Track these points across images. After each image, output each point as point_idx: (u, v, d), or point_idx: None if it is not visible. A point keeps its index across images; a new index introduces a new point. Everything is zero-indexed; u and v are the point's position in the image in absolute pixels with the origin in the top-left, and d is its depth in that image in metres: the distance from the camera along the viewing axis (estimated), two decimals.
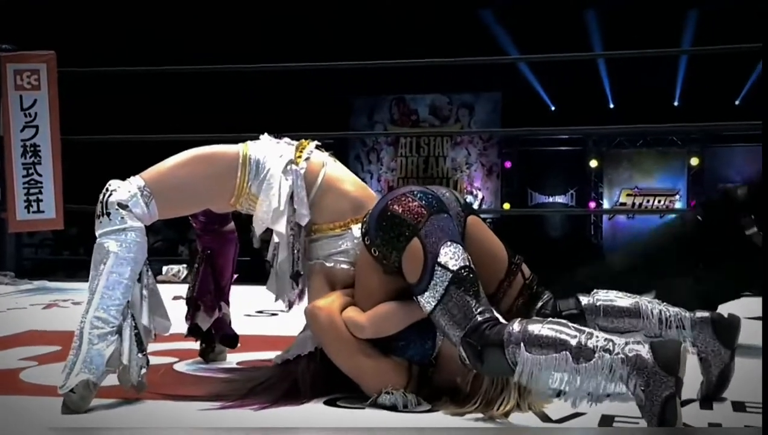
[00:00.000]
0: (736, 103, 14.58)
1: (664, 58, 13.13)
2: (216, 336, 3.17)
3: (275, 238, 2.69)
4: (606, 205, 16.35)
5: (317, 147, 2.79)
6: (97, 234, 2.55)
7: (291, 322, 3.05)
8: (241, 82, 12.88)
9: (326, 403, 2.49)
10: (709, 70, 12.96)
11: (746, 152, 14.57)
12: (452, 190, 2.60)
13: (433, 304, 2.28)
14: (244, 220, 2.91)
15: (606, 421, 2.26)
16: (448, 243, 2.33)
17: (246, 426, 2.31)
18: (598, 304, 2.56)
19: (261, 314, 4.36)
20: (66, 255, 11.38)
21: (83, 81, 8.70)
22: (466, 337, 2.23)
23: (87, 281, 2.54)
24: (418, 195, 2.43)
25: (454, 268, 2.28)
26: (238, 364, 3.10)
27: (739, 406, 2.46)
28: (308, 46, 12.85)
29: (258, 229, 2.69)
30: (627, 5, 12.38)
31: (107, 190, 2.59)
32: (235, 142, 2.76)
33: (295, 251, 2.70)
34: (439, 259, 2.29)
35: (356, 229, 2.62)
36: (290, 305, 2.81)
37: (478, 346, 2.21)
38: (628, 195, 16.36)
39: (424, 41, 11.48)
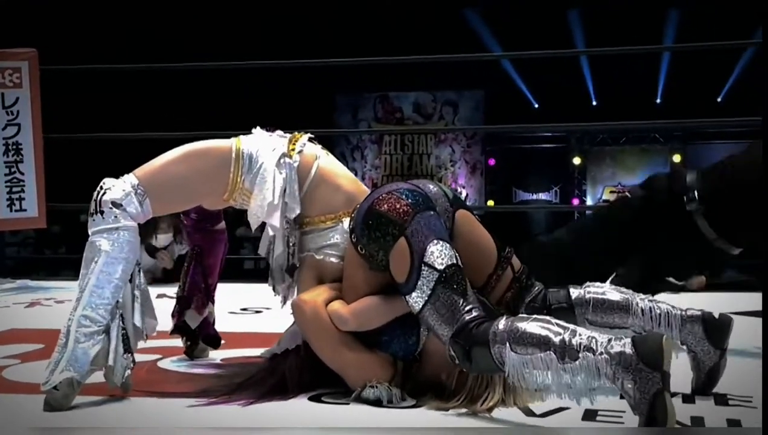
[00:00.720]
0: (718, 100, 14.65)
1: (647, 56, 13.17)
2: (199, 335, 3.16)
3: (269, 232, 2.69)
4: (589, 202, 16.40)
5: (310, 139, 2.79)
6: (89, 232, 2.53)
7: (276, 319, 3.05)
8: (226, 79, 12.84)
9: (311, 399, 2.49)
10: (691, 67, 13.02)
11: (728, 149, 14.59)
12: (440, 185, 2.58)
13: (422, 303, 2.28)
14: (231, 217, 2.91)
15: (589, 415, 2.26)
16: (435, 241, 2.32)
17: (232, 426, 2.31)
18: (587, 297, 2.56)
19: (246, 311, 4.36)
20: (48, 254, 11.34)
21: (65, 79, 8.65)
22: (454, 336, 2.23)
23: (70, 280, 2.53)
24: (404, 193, 2.42)
25: (441, 266, 2.28)
26: (222, 360, 3.10)
27: (721, 400, 2.47)
28: (293, 43, 12.84)
29: (253, 223, 2.68)
30: (609, 3, 12.42)
31: (101, 188, 2.57)
32: (220, 138, 2.75)
33: (291, 245, 2.69)
34: (425, 259, 2.29)
35: (347, 223, 2.61)
36: (284, 299, 2.80)
37: (466, 345, 2.21)
38: (611, 192, 16.38)
39: (409, 39, 11.49)
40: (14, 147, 5.14)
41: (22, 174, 5.16)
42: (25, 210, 5.19)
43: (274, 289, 2.80)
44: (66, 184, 6.18)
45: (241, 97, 13.17)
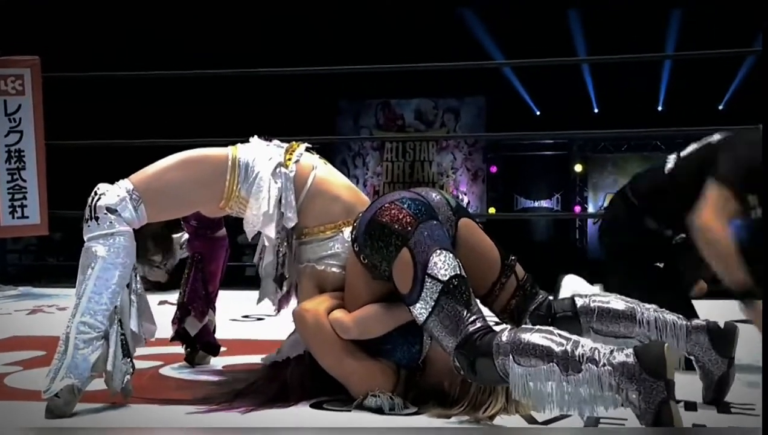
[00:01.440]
0: (720, 107, 14.65)
1: (648, 63, 13.18)
2: (199, 342, 3.16)
3: (263, 242, 2.69)
4: (591, 209, 16.40)
5: (307, 149, 2.79)
6: (85, 238, 2.54)
7: (277, 327, 3.05)
8: (227, 86, 12.85)
9: (312, 405, 2.49)
10: (693, 74, 13.03)
11: None
12: (443, 193, 2.57)
13: (426, 315, 2.27)
14: (233, 224, 2.91)
15: (591, 422, 2.26)
16: (438, 251, 2.31)
17: (233, 426, 2.31)
18: (593, 305, 2.53)
19: (247, 319, 4.36)
20: (50, 261, 11.33)
21: (68, 86, 8.67)
22: (458, 348, 2.22)
23: (72, 287, 2.52)
24: (407, 202, 2.41)
25: (444, 278, 2.27)
26: (224, 367, 3.10)
27: (724, 408, 2.47)
28: (294, 50, 12.84)
29: (249, 232, 2.68)
30: (611, 9, 12.43)
31: (95, 193, 2.57)
32: (221, 145, 2.75)
33: (280, 255, 2.69)
34: (428, 270, 2.28)
35: (347, 232, 2.61)
36: (279, 308, 2.80)
37: (471, 357, 2.20)
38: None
39: (410, 46, 11.51)
40: (16, 154, 5.15)
41: (24, 181, 5.17)
42: (27, 217, 5.20)
43: (260, 298, 2.80)
44: (68, 190, 6.18)
45: (244, 104, 13.19)
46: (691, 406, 2.48)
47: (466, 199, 16.31)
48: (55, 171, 5.43)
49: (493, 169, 16.69)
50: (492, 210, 16.19)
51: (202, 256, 3.15)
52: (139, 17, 12.19)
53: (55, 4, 10.96)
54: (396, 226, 2.36)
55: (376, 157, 16.85)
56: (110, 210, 2.53)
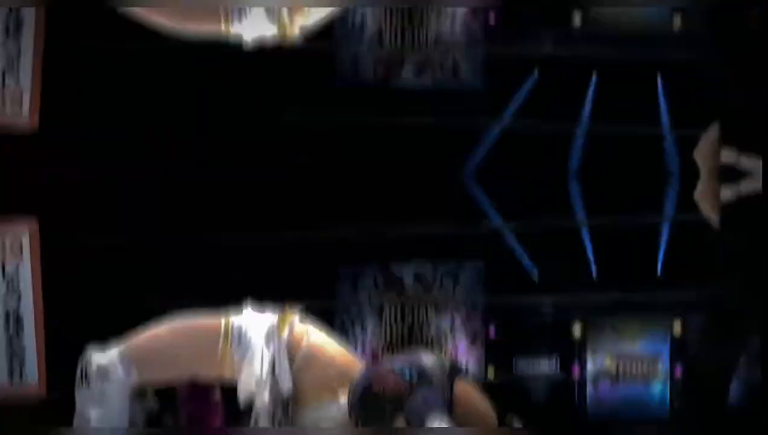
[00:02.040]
0: None
1: (647, 229, 13.33)
2: None
3: (257, 407, 2.68)
4: (590, 368, 16.25)
5: (300, 318, 2.81)
6: (76, 402, 2.53)
7: None
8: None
9: None
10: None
11: None
12: (437, 356, 2.58)
13: None
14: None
15: None
16: (433, 417, 2.30)
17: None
18: None
19: None
20: None
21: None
22: None
23: None
24: (400, 370, 2.42)
25: None
26: None
27: None
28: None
29: (242, 398, 2.68)
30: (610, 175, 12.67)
31: (86, 356, 2.58)
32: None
33: (276, 422, 2.67)
34: None
35: (343, 398, 2.61)
36: None
37: None
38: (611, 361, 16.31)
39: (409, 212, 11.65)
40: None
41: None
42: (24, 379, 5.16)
43: None
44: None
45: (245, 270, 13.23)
46: None
47: (464, 362, 16.19)
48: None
49: (492, 332, 16.64)
50: (491, 373, 16.04)
51: (195, 420, 3.11)
52: None
53: None
54: (390, 395, 2.35)
55: (375, 320, 16.83)
56: (101, 373, 2.53)
